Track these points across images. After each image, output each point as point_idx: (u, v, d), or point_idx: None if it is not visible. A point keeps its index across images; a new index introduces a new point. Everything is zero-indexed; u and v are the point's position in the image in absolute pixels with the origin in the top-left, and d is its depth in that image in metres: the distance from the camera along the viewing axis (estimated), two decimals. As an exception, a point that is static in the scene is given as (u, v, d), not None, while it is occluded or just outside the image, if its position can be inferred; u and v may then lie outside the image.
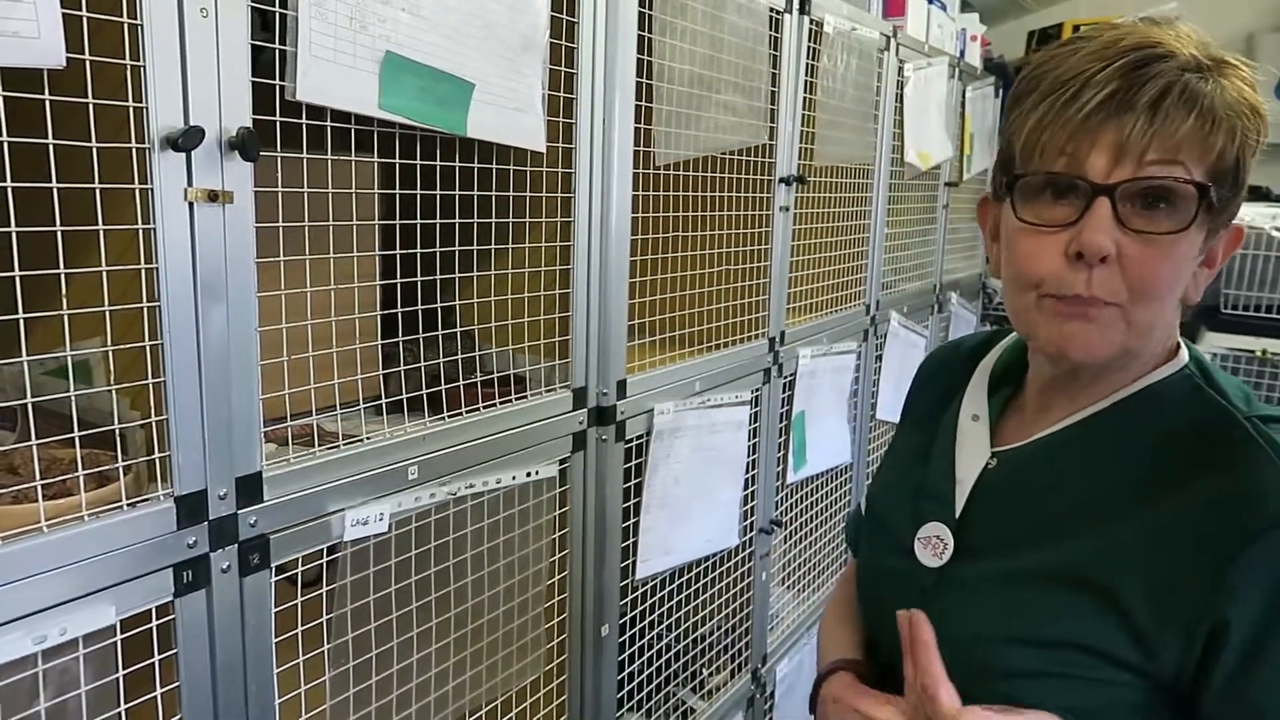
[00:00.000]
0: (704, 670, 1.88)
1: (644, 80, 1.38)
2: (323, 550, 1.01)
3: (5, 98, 0.71)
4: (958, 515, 0.84)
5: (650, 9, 1.37)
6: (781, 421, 1.96)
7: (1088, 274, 0.71)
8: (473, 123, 1.10)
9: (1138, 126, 0.68)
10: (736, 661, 1.96)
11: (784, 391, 1.94)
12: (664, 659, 1.70)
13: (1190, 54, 0.70)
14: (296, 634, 1.00)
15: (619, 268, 1.39)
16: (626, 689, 1.60)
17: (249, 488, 0.92)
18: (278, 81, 0.90)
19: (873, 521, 0.98)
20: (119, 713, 0.85)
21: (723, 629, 1.92)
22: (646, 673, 1.65)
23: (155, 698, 0.87)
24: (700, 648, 1.84)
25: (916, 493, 0.89)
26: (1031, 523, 0.79)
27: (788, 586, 2.18)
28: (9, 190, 0.73)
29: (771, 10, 1.67)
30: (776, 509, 1.99)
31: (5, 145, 0.72)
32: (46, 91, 0.73)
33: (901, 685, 0.75)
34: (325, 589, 1.04)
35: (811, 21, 1.78)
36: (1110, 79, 0.69)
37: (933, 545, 0.84)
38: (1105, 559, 0.74)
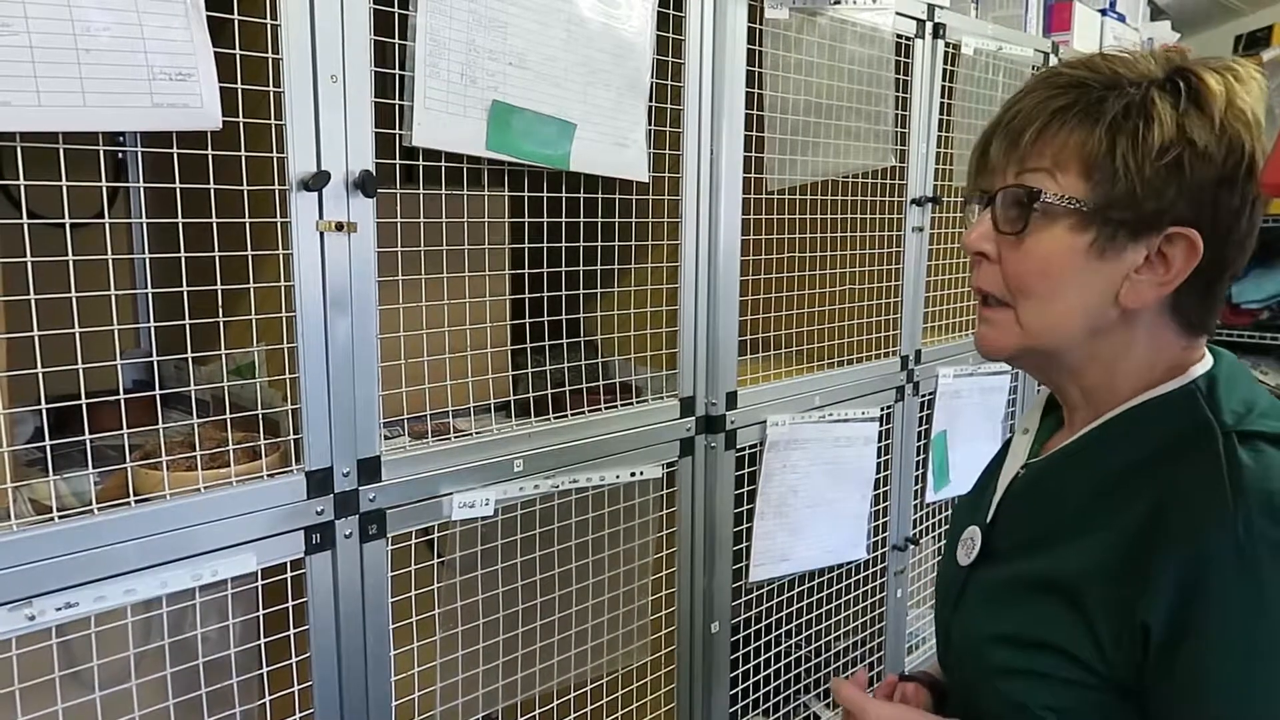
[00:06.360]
0: (833, 679, 1.91)
1: (755, 112, 1.48)
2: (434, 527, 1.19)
3: (179, 154, 0.92)
4: (989, 520, 0.90)
5: (760, 45, 1.47)
6: (920, 440, 1.97)
7: (978, 271, 0.83)
8: (575, 158, 1.24)
9: (998, 145, 0.81)
10: (870, 675, 1.98)
11: (921, 410, 1.95)
12: (783, 663, 1.77)
13: (1080, 75, 0.77)
14: (410, 597, 1.17)
15: (728, 287, 1.49)
16: (742, 686, 1.68)
17: (369, 469, 1.10)
18: (398, 131, 1.08)
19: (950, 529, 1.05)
20: (260, 644, 1.05)
21: (853, 641, 1.95)
22: (764, 674, 1.73)
23: (289, 637, 1.07)
24: (826, 656, 1.89)
25: (974, 500, 0.97)
26: (1036, 530, 0.85)
27: (930, 607, 2.16)
28: (180, 225, 0.94)
29: (899, 37, 1.71)
30: (914, 527, 2.00)
31: (178, 191, 0.93)
32: (210, 147, 0.94)
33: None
34: (435, 560, 1.22)
35: (947, 45, 1.81)
36: (1003, 110, 0.82)
37: (966, 546, 0.91)
38: (1076, 567, 0.78)
